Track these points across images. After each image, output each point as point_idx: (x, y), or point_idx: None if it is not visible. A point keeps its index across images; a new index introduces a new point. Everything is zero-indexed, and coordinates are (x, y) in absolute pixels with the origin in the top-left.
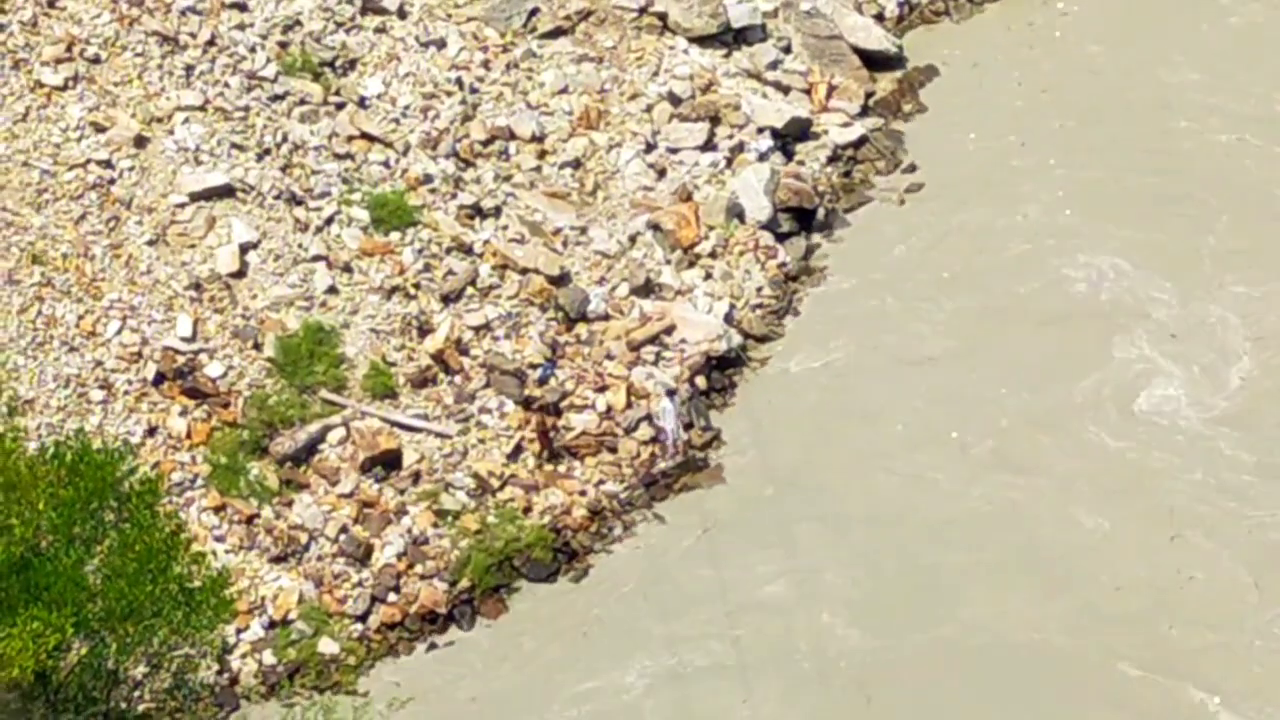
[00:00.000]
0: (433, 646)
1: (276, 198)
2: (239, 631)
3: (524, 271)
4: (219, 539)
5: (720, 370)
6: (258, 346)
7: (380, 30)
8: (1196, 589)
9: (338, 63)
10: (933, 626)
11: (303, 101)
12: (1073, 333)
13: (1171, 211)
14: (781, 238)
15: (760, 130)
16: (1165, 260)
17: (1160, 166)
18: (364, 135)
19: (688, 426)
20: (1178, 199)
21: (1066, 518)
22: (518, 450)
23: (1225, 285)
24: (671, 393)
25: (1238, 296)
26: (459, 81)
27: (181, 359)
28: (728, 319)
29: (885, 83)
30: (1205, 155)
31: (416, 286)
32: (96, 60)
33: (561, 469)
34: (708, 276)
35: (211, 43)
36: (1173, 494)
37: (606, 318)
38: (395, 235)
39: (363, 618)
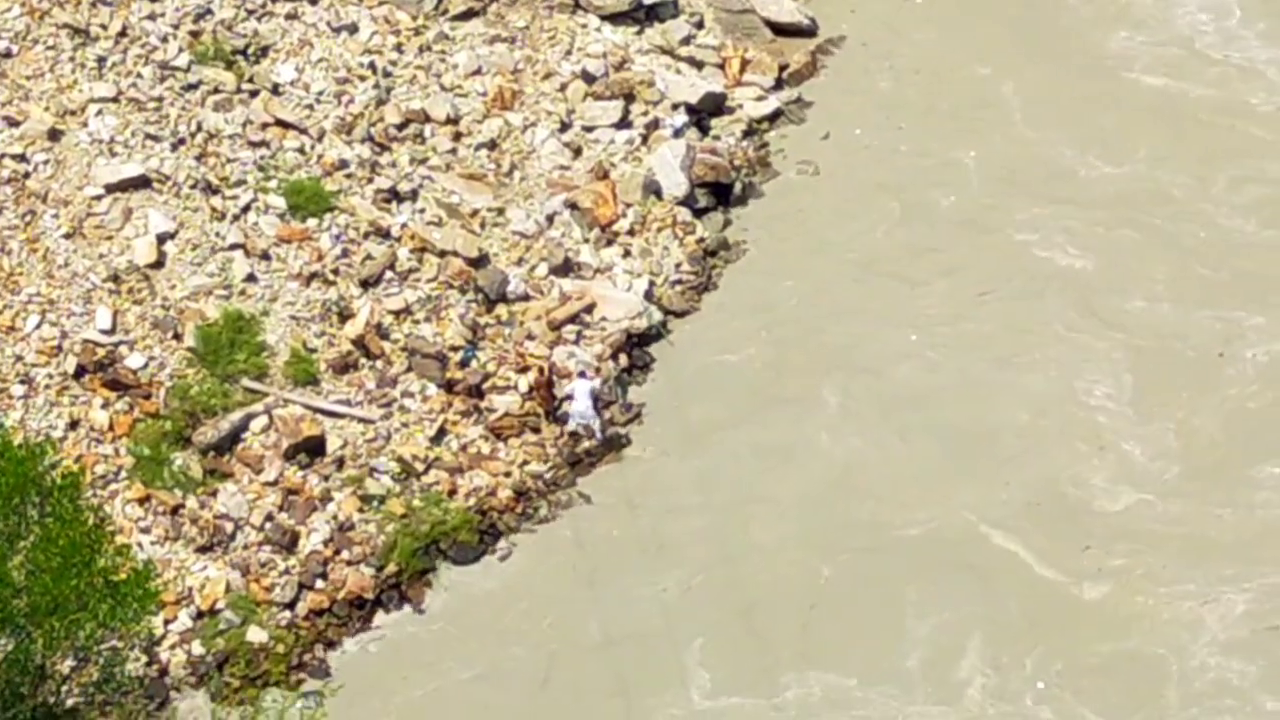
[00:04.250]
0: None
1: (193, 187)
2: (167, 623)
3: (442, 254)
4: (144, 531)
5: (641, 347)
6: (178, 337)
7: (292, 16)
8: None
9: (250, 50)
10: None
11: (216, 90)
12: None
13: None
14: (699, 213)
15: (675, 106)
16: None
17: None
18: (278, 122)
19: (608, 405)
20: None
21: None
22: (441, 434)
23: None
24: (583, 374)
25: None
26: (372, 66)
27: (102, 351)
28: (648, 296)
29: (798, 54)
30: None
31: (335, 272)
32: (7, 54)
33: (486, 450)
34: (626, 254)
35: (123, 34)
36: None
37: (526, 298)
38: (312, 221)
39: (290, 605)
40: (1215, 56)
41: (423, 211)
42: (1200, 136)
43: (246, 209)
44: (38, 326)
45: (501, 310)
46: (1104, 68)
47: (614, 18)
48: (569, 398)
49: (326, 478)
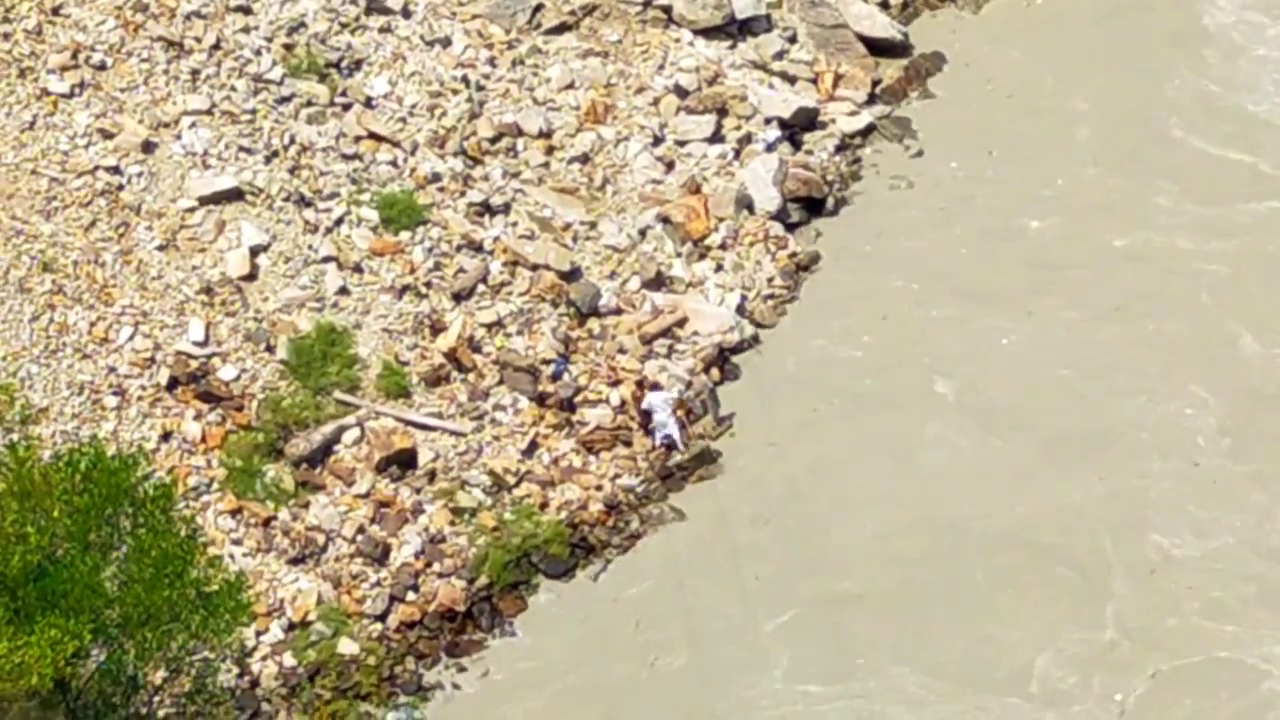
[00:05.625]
0: (453, 646)
1: (285, 200)
2: (258, 634)
3: (534, 268)
4: (236, 542)
5: (733, 361)
6: (270, 349)
7: (385, 30)
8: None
9: (343, 63)
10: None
11: (309, 103)
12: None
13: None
14: (791, 227)
15: (767, 121)
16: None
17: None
18: (371, 135)
19: (698, 418)
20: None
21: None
22: (532, 447)
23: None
24: (655, 386)
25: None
26: (465, 79)
27: (194, 363)
28: (740, 310)
29: (891, 70)
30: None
31: (428, 285)
32: (102, 67)
33: (578, 463)
34: (719, 268)
35: (217, 46)
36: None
37: (618, 312)
38: (405, 234)
39: (382, 617)
40: None
41: (515, 225)
42: None
43: (339, 222)
44: (131, 338)
45: (593, 324)
46: (1204, 114)
47: (707, 32)
48: (650, 411)
49: (418, 490)
